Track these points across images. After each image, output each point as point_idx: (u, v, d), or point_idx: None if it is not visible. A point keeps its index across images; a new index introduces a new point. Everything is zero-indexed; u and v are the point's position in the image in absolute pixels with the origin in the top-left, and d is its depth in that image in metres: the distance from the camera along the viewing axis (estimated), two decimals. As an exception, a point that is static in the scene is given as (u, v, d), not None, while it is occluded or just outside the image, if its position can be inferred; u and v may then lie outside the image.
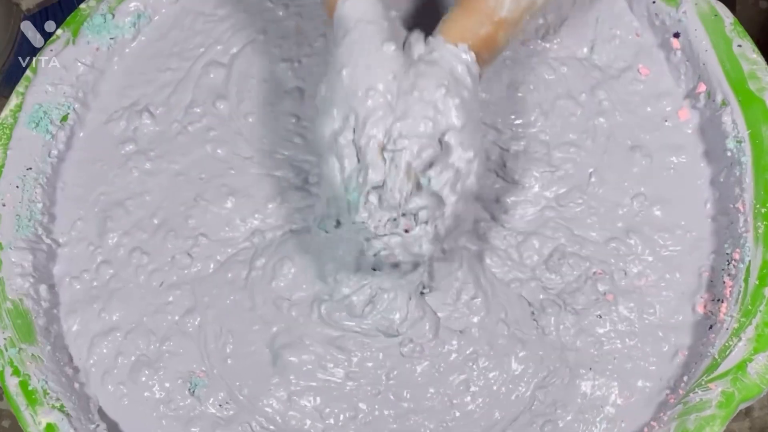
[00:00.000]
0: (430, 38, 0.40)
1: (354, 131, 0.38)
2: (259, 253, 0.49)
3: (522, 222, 0.49)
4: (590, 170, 0.50)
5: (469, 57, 0.40)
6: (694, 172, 0.49)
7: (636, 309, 0.46)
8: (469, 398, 0.45)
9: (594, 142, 0.50)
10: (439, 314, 0.47)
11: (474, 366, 0.46)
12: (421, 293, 0.47)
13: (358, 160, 0.38)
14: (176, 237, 0.51)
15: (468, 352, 0.46)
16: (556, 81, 0.52)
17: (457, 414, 0.45)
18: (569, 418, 0.45)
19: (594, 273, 0.47)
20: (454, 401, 0.45)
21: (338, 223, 0.45)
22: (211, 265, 0.50)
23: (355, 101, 0.38)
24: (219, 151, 0.53)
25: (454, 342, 0.46)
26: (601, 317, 0.46)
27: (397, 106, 0.38)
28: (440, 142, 0.38)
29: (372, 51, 0.39)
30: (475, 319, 0.47)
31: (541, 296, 0.47)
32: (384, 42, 0.39)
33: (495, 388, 0.46)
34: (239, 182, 0.52)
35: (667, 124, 0.50)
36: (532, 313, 0.47)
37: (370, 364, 0.46)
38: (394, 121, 0.38)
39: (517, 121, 0.51)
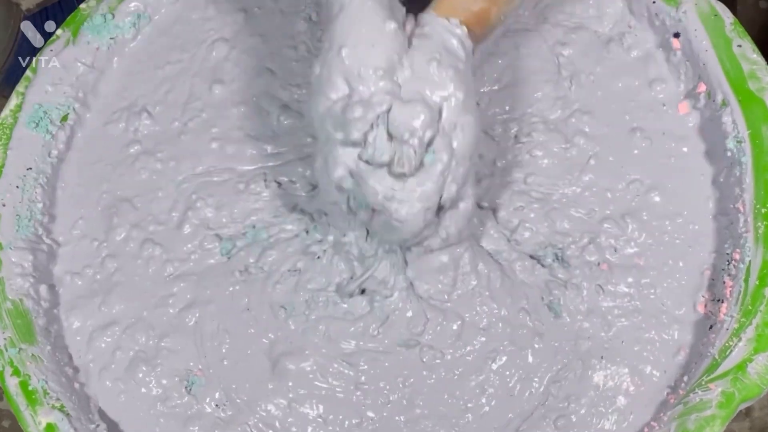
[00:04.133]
0: (422, 14, 0.40)
1: (356, 110, 0.38)
2: (267, 249, 0.49)
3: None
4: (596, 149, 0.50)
5: (460, 31, 0.39)
6: (696, 163, 0.49)
7: (634, 284, 0.47)
8: (484, 400, 0.45)
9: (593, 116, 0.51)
10: (465, 316, 0.47)
11: (492, 365, 0.46)
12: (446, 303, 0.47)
13: (364, 143, 0.38)
14: (190, 229, 0.51)
15: (489, 350, 0.46)
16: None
17: (470, 417, 0.45)
18: (582, 411, 0.45)
19: (583, 245, 0.47)
20: (469, 405, 0.45)
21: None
22: (217, 258, 0.50)
23: (358, 81, 0.38)
24: (226, 148, 0.53)
25: (482, 339, 0.46)
26: (602, 288, 0.46)
27: (400, 87, 0.38)
28: (439, 111, 0.38)
29: (374, 29, 0.38)
30: (502, 312, 0.47)
31: (547, 277, 0.47)
32: (386, 20, 0.38)
33: (510, 386, 0.45)
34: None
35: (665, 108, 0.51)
36: (542, 299, 0.47)
37: (382, 379, 0.46)
38: (397, 104, 0.38)
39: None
